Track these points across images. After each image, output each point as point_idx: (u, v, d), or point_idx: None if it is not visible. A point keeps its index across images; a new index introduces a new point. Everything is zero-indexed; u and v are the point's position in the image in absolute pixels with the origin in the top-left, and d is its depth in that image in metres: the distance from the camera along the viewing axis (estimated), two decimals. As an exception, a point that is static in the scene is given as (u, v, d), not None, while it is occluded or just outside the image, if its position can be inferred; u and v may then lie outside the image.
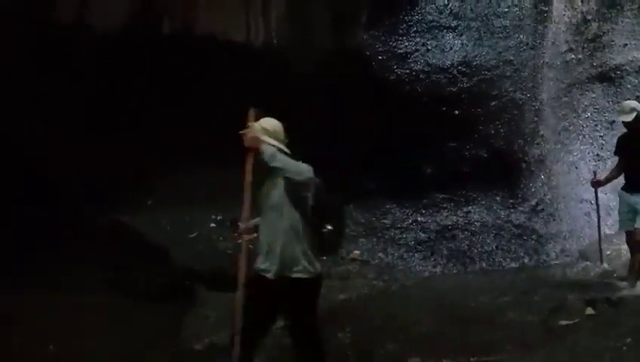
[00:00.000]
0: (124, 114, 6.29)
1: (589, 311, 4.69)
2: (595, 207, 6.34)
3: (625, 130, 5.64)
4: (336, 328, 4.82)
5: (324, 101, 6.97)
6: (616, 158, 5.85)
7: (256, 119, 3.35)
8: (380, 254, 6.84)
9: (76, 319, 4.76)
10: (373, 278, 6.33)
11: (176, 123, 6.57)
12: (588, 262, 6.52)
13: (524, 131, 7.23)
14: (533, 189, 7.14)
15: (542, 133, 7.51)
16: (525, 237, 6.86)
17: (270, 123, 3.37)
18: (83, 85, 6.39)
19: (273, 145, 3.23)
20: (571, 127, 7.87)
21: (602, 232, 6.38)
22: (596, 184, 5.99)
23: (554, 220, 7.20)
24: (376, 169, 7.19)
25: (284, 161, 3.16)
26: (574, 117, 7.85)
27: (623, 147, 5.66)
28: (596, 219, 6.33)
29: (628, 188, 5.49)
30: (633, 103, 5.58)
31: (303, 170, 3.18)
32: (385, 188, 7.22)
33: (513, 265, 6.45)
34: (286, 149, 3.33)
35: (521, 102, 7.41)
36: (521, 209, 7.03)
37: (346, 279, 6.27)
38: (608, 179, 5.98)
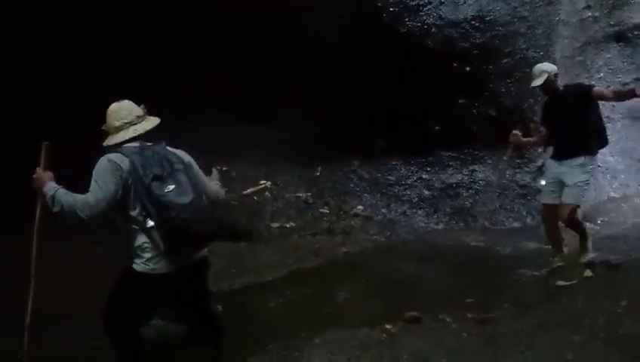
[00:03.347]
0: (138, 66, 6.30)
1: (587, 273, 4.70)
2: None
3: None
4: (337, 281, 4.90)
5: (331, 55, 6.86)
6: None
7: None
8: (383, 210, 6.88)
9: (76, 266, 4.88)
10: (375, 233, 6.40)
11: (187, 75, 6.57)
12: (591, 224, 6.53)
13: (534, 90, 7.10)
14: (540, 150, 7.07)
15: (553, 92, 7.39)
16: (529, 198, 6.86)
17: (107, 112, 3.21)
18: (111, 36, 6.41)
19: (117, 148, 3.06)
20: (583, 88, 7.73)
21: (607, 195, 6.31)
22: (514, 138, 5.22)
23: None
24: (382, 125, 7.14)
25: (62, 202, 2.92)
26: (587, 77, 7.72)
27: (547, 114, 5.07)
28: (602, 181, 6.19)
29: (554, 155, 4.99)
30: (544, 66, 4.99)
31: (85, 199, 2.90)
32: (391, 145, 7.20)
33: (516, 224, 6.47)
34: (125, 135, 3.14)
35: (533, 60, 7.24)
36: (527, 169, 7.01)
37: (348, 234, 6.35)
38: (528, 142, 5.48)
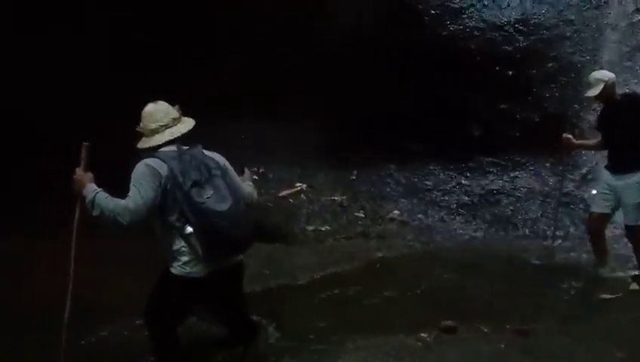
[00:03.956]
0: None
1: (634, 286, 4.56)
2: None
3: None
4: (372, 286, 4.86)
5: (373, 56, 6.83)
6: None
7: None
8: (420, 215, 6.78)
9: (111, 264, 4.95)
10: (412, 239, 6.31)
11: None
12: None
13: (580, 96, 6.92)
14: (584, 157, 6.87)
15: (599, 98, 7.19)
16: (573, 206, 6.65)
17: (143, 113, 3.18)
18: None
19: (145, 149, 3.04)
20: (632, 94, 7.49)
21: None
22: (565, 140, 5.07)
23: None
24: (421, 129, 7.06)
25: (102, 206, 2.89)
26: (635, 83, 7.44)
27: (601, 122, 4.94)
28: None
29: (610, 167, 4.83)
30: (598, 74, 4.79)
31: (125, 205, 2.87)
32: (430, 149, 7.12)
33: (558, 234, 6.27)
34: (163, 137, 3.11)
35: (579, 65, 7.11)
36: (571, 176, 6.80)
37: (383, 238, 6.28)
38: (582, 145, 5.41)
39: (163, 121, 3.14)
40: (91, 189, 3.00)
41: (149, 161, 3.00)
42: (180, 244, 3.00)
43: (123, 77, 6.17)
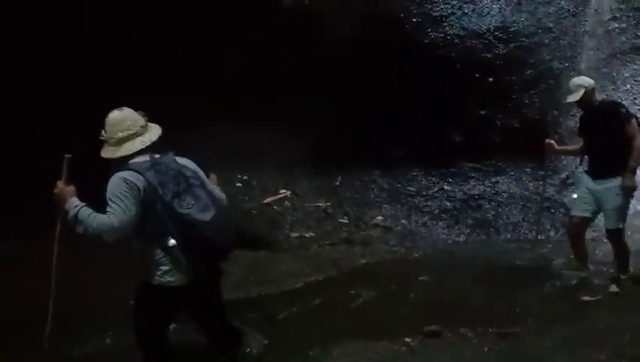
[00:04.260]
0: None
1: (613, 288, 4.61)
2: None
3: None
4: (356, 292, 4.86)
5: (354, 65, 6.87)
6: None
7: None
8: (404, 221, 6.81)
9: (92, 268, 4.90)
10: (395, 244, 6.34)
11: (203, 82, 6.62)
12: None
13: (559, 102, 7.03)
14: (564, 162, 6.97)
15: (578, 104, 7.30)
16: (553, 211, 6.73)
17: (108, 121, 3.03)
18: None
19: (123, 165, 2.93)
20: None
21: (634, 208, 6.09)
22: (548, 145, 5.15)
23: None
24: (404, 135, 7.10)
25: (85, 224, 2.79)
26: (613, 89, 7.59)
27: (582, 127, 5.00)
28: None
29: (590, 172, 4.89)
30: (579, 80, 4.86)
31: (109, 223, 2.78)
32: (412, 156, 7.16)
33: (539, 237, 6.35)
34: (134, 145, 3.00)
35: (558, 72, 7.22)
36: (551, 181, 6.88)
37: (367, 244, 6.29)
38: (564, 150, 5.55)
39: (132, 129, 3.01)
40: (73, 205, 2.89)
41: (125, 174, 2.89)
42: (160, 255, 2.95)
43: (123, 77, 6.13)
